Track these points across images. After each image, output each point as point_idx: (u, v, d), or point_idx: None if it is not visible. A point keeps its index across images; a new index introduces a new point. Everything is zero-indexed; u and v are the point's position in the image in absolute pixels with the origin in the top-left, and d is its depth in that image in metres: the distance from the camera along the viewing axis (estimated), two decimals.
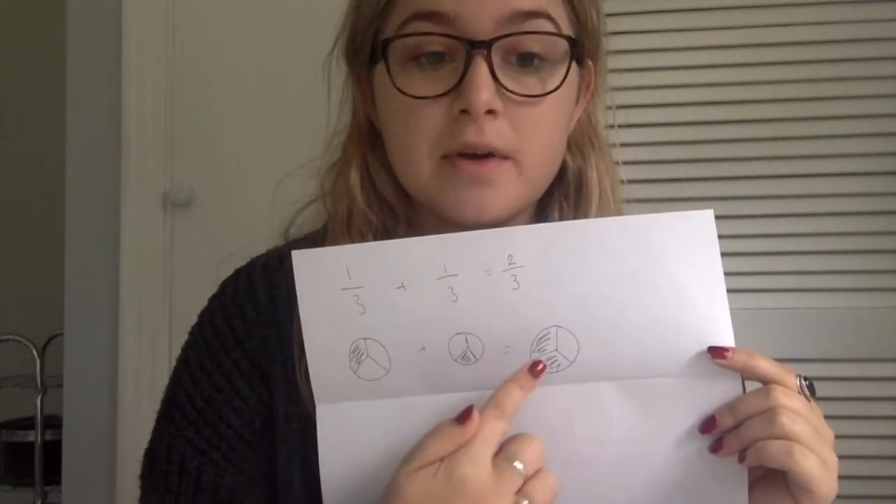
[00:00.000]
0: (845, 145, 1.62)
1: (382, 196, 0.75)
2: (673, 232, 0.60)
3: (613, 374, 0.61)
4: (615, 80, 0.81)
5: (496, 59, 0.67)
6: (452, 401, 0.61)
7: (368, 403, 0.62)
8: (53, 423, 2.01)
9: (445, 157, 0.69)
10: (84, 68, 1.76)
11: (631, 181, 0.82)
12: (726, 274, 0.60)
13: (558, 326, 0.60)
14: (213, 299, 0.77)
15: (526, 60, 0.68)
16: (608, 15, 0.90)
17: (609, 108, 0.80)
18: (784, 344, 1.55)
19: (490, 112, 0.66)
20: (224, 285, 0.77)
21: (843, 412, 1.57)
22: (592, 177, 0.76)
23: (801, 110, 1.62)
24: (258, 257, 0.78)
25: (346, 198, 0.75)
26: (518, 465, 0.58)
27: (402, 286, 0.60)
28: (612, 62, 0.80)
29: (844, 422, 1.56)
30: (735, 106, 1.64)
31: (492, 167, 0.68)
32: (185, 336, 0.77)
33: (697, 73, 1.65)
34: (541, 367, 0.60)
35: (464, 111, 0.66)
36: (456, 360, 0.61)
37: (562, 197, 0.77)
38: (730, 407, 0.61)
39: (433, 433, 0.59)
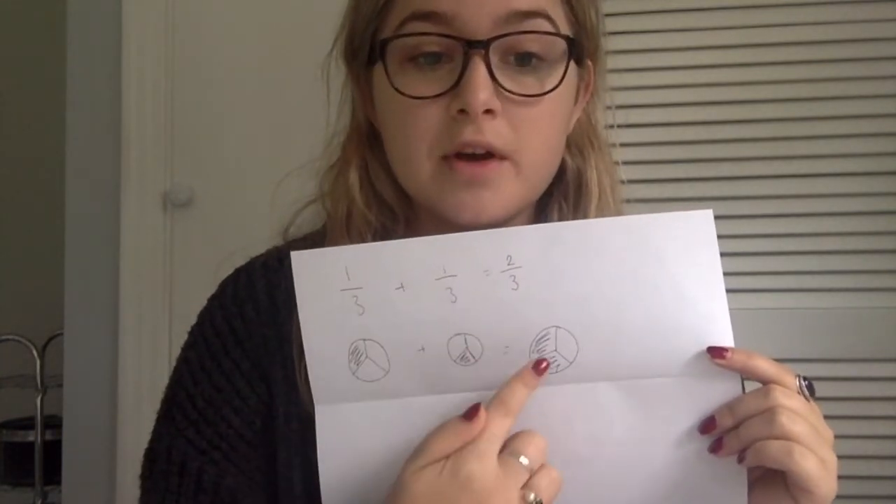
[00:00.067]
0: (845, 145, 1.62)
1: (381, 197, 0.75)
2: (673, 232, 0.60)
3: (613, 374, 0.61)
4: (614, 80, 0.81)
5: (494, 58, 0.67)
6: (452, 401, 0.60)
7: (367, 404, 0.62)
8: (53, 423, 2.01)
9: (444, 158, 0.68)
10: (84, 68, 1.77)
11: (631, 181, 0.82)
12: (726, 274, 0.60)
13: (557, 327, 0.60)
14: (212, 299, 0.77)
15: (524, 60, 0.68)
16: (608, 15, 0.90)
17: (608, 107, 0.80)
18: (784, 344, 1.55)
19: (488, 112, 0.66)
20: (224, 285, 0.77)
21: (843, 412, 1.57)
22: (592, 177, 0.76)
23: (801, 110, 1.62)
24: (258, 257, 0.78)
25: (346, 198, 0.75)
26: (523, 459, 0.58)
27: (401, 287, 0.60)
28: (612, 62, 0.80)
29: (844, 422, 1.56)
30: (735, 106, 1.64)
31: (490, 168, 0.68)
32: (185, 336, 0.77)
33: (697, 73, 1.65)
34: (544, 364, 0.60)
35: (462, 111, 0.66)
36: (455, 361, 0.61)
37: (561, 197, 0.77)
38: (729, 407, 0.61)
39: (439, 431, 0.59)
